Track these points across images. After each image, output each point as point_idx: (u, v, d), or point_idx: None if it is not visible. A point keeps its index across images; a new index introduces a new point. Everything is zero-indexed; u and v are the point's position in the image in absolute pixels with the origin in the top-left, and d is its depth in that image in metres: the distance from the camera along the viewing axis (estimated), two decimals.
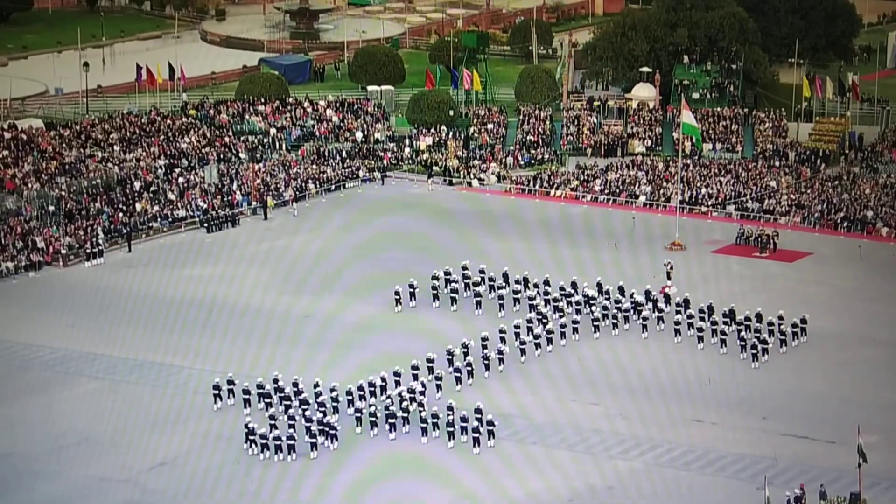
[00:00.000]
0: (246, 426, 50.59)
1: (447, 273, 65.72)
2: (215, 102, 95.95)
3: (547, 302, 63.46)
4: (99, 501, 47.31)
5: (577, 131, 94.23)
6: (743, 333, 59.78)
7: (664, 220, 79.18)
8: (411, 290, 64.55)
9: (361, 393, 53.46)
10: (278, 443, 49.79)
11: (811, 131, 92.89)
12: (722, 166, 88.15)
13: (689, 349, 60.48)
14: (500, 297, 64.19)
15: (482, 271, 66.15)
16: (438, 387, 55.24)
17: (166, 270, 71.05)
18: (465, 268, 66.52)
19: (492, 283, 65.62)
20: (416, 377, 55.21)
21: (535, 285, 64.61)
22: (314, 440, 49.98)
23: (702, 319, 61.50)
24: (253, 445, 50.19)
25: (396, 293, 64.29)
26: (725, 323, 61.12)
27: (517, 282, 65.26)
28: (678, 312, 62.48)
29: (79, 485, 48.26)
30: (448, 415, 51.34)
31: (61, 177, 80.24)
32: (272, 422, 51.26)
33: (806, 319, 61.46)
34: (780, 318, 61.07)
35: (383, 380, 54.57)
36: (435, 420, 51.66)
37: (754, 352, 58.78)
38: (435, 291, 64.92)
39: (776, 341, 59.96)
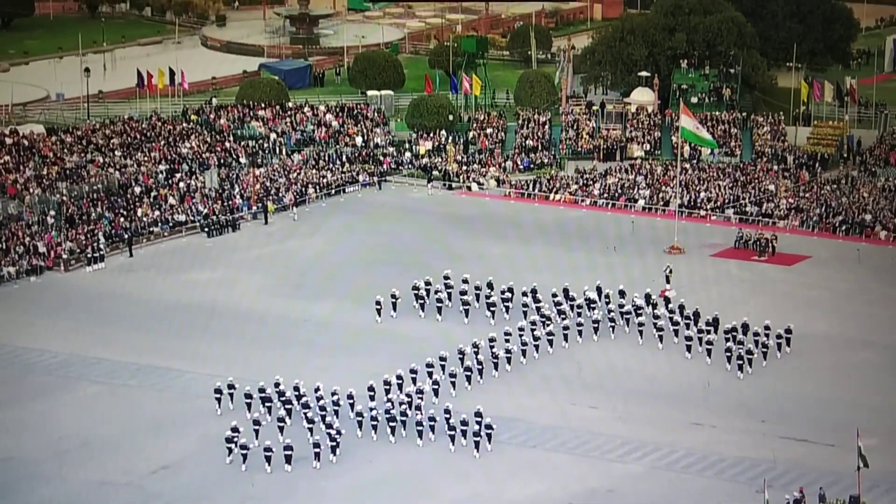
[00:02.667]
0: (231, 432, 50.34)
1: (427, 283, 65.27)
2: (216, 107, 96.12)
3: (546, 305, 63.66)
4: None
5: (576, 135, 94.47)
6: (729, 344, 58.96)
7: (663, 224, 79.41)
8: (393, 300, 64.27)
9: (372, 394, 53.74)
10: (268, 454, 49.31)
11: (809, 135, 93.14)
12: (720, 170, 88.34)
13: (688, 353, 60.57)
14: (492, 305, 63.92)
15: (465, 280, 65.52)
16: (453, 384, 55.75)
17: (167, 275, 71.22)
18: (447, 277, 65.99)
19: (478, 291, 65.01)
20: (430, 374, 55.66)
21: (524, 293, 64.31)
22: (318, 449, 49.77)
23: (688, 327, 61.28)
24: (230, 453, 49.94)
25: (378, 303, 63.87)
26: (708, 331, 60.80)
27: (503, 291, 64.73)
28: (668, 318, 62.34)
29: (80, 489, 48.40)
30: (446, 418, 51.60)
31: (62, 182, 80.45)
32: (256, 427, 51.27)
33: (791, 329, 60.70)
34: (767, 327, 60.55)
35: (399, 377, 54.98)
36: (432, 423, 51.86)
37: (739, 363, 58.09)
38: (422, 301, 64.62)
39: (759, 353, 59.12)
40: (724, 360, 58.82)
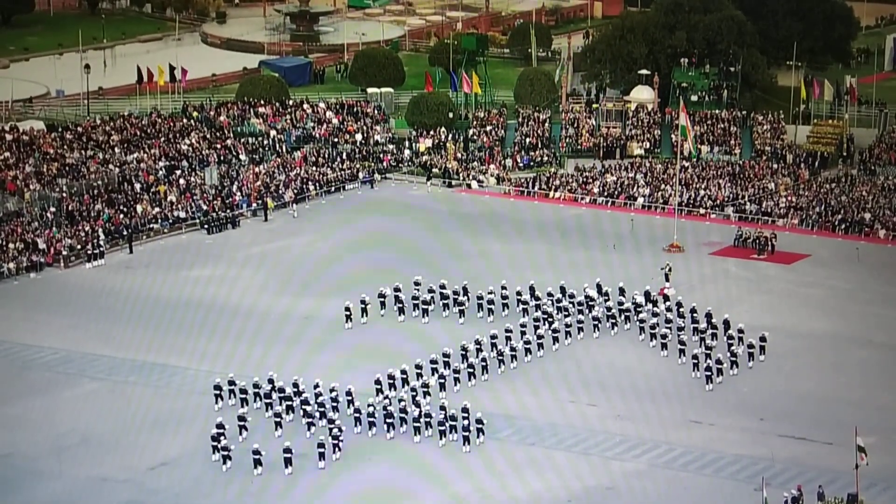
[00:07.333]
0: (217, 430, 50.33)
1: (397, 289, 64.52)
2: (216, 104, 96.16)
3: (546, 303, 63.68)
4: (100, 501, 47.56)
5: (575, 133, 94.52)
6: (696, 351, 57.99)
7: (662, 222, 79.48)
8: (363, 305, 63.70)
9: (379, 387, 54.00)
10: (257, 457, 49.09)
11: (809, 134, 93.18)
12: (720, 168, 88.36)
13: (664, 351, 60.23)
14: (490, 303, 63.72)
15: (443, 286, 64.90)
16: (456, 380, 55.99)
17: (167, 272, 71.28)
18: (416, 283, 65.23)
19: (455, 295, 64.42)
20: (434, 371, 55.82)
21: (518, 293, 64.09)
22: (322, 449, 49.68)
23: (668, 323, 61.03)
24: (215, 451, 49.88)
25: (347, 309, 63.06)
26: (694, 329, 60.55)
27: (490, 291, 64.25)
28: (655, 315, 62.38)
29: (80, 485, 48.50)
30: (440, 414, 51.78)
31: (62, 178, 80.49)
32: (241, 423, 51.32)
33: (765, 337, 59.66)
34: (741, 331, 59.82)
35: (404, 373, 55.21)
36: (428, 420, 51.96)
37: (708, 373, 56.75)
38: (400, 305, 64.05)
39: (728, 362, 57.93)
40: (692, 367, 57.97)
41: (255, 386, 54.41)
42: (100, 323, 63.55)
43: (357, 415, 52.55)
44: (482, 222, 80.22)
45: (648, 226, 79.40)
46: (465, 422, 51.36)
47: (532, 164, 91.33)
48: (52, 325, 63.21)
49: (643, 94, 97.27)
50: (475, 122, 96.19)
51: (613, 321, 62.77)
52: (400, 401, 53.36)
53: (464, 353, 57.66)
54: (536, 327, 61.06)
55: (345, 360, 58.75)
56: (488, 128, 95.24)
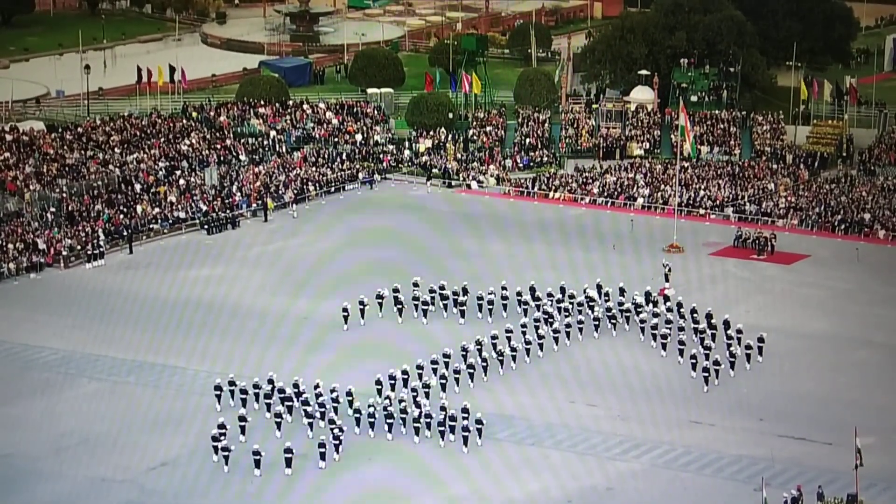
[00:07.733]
0: (218, 430, 50.34)
1: (395, 290, 64.41)
2: (216, 105, 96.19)
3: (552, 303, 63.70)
4: (99, 502, 47.55)
5: (575, 134, 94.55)
6: (694, 351, 58.06)
7: (662, 223, 79.51)
8: (361, 307, 63.59)
9: (379, 387, 54.08)
10: (257, 457, 49.15)
11: (809, 134, 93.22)
12: (720, 169, 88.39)
13: (663, 351, 60.32)
14: (490, 303, 63.84)
15: (442, 287, 64.85)
16: (457, 380, 55.92)
17: (167, 272, 71.32)
18: (415, 284, 65.11)
19: (456, 295, 64.37)
20: (435, 371, 55.84)
21: (519, 293, 64.13)
22: (322, 449, 49.77)
23: (681, 329, 60.89)
24: (216, 452, 49.85)
25: (345, 310, 62.98)
26: (694, 328, 60.69)
27: (491, 293, 64.23)
28: (655, 316, 62.43)
29: (79, 485, 48.51)
30: (440, 415, 51.81)
31: (62, 179, 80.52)
32: (242, 423, 51.35)
33: (763, 338, 59.64)
34: (739, 331, 59.83)
35: (405, 373, 55.24)
36: (428, 421, 51.99)
37: (706, 375, 56.72)
38: (400, 306, 63.98)
39: (727, 363, 57.88)
40: (690, 368, 58.10)
41: (256, 386, 54.47)
42: (100, 323, 63.57)
43: (357, 415, 52.59)
44: (482, 223, 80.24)
45: (648, 226, 79.43)
46: (465, 422, 51.43)
47: (532, 164, 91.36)
48: (52, 326, 63.25)
49: (643, 95, 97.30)
50: (475, 123, 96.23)
51: (614, 322, 62.83)
52: (400, 401, 53.41)
53: (464, 353, 57.74)
54: (537, 328, 61.11)
55: (345, 360, 58.79)
56: (488, 128, 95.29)
